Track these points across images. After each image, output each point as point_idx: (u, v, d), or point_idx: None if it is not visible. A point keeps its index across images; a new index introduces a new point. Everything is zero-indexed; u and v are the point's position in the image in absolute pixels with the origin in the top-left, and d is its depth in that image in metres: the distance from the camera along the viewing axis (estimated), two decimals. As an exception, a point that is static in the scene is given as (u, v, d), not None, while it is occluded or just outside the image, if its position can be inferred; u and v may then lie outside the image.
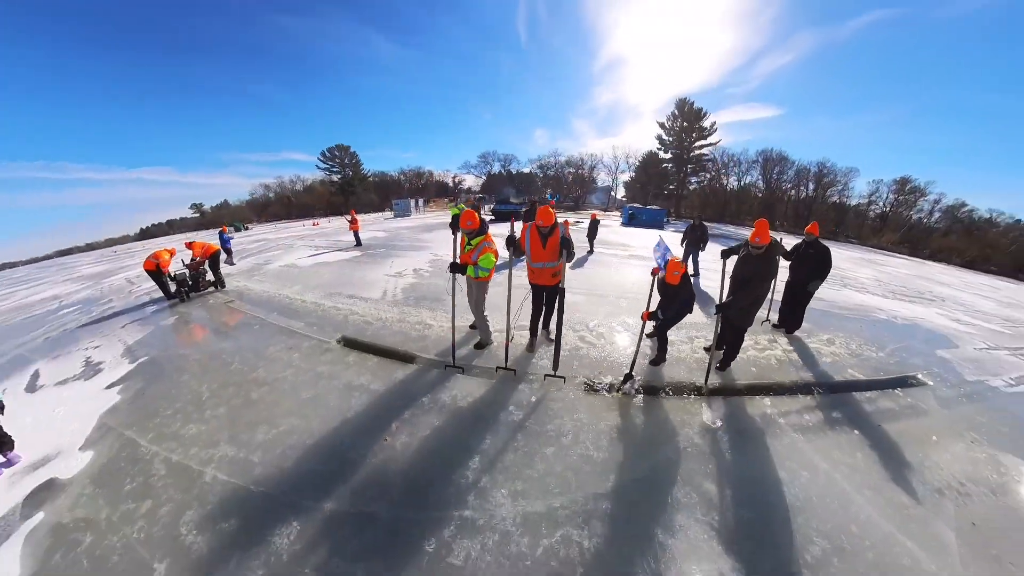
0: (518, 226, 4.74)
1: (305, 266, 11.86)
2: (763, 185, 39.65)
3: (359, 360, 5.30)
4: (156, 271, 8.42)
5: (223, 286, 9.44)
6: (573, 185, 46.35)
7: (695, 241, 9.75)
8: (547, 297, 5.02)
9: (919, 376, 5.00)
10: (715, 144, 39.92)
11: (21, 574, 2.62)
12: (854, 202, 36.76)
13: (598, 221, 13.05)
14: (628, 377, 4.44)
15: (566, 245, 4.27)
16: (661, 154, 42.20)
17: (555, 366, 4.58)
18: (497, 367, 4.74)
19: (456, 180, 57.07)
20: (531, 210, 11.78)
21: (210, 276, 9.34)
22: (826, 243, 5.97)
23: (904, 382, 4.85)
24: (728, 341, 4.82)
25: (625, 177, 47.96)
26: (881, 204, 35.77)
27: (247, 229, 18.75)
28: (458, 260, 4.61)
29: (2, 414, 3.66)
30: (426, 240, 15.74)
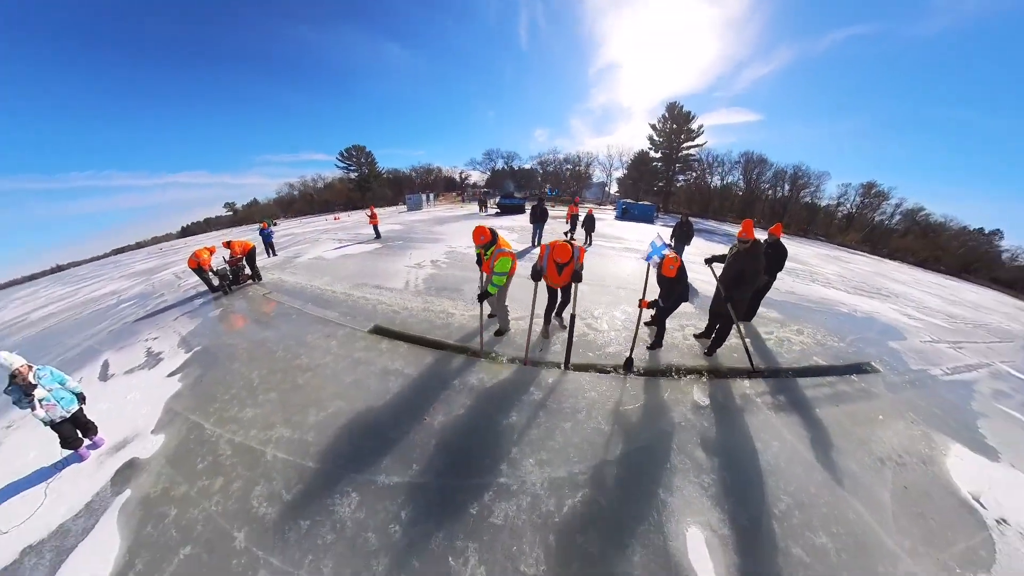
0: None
1: (331, 258, 11.87)
2: (744, 185, 40.23)
3: (391, 347, 5.38)
4: (199, 268, 8.52)
5: (260, 279, 9.52)
6: (570, 180, 45.96)
7: (682, 237, 10.16)
8: (562, 293, 5.38)
9: (872, 364, 5.22)
10: (701, 145, 40.08)
11: (120, 544, 2.78)
12: (824, 203, 37.79)
13: (594, 218, 12.76)
14: (629, 361, 4.63)
15: (577, 277, 4.47)
16: (652, 153, 42.05)
17: (566, 361, 4.67)
18: (519, 360, 4.86)
19: (463, 176, 56.60)
20: (539, 205, 11.89)
21: (248, 270, 9.42)
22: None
23: (859, 369, 5.07)
24: (717, 331, 4.99)
25: (618, 174, 47.55)
26: (848, 206, 36.71)
27: (275, 225, 18.76)
28: (482, 288, 4.81)
29: (84, 403, 3.80)
30: (440, 232, 15.64)
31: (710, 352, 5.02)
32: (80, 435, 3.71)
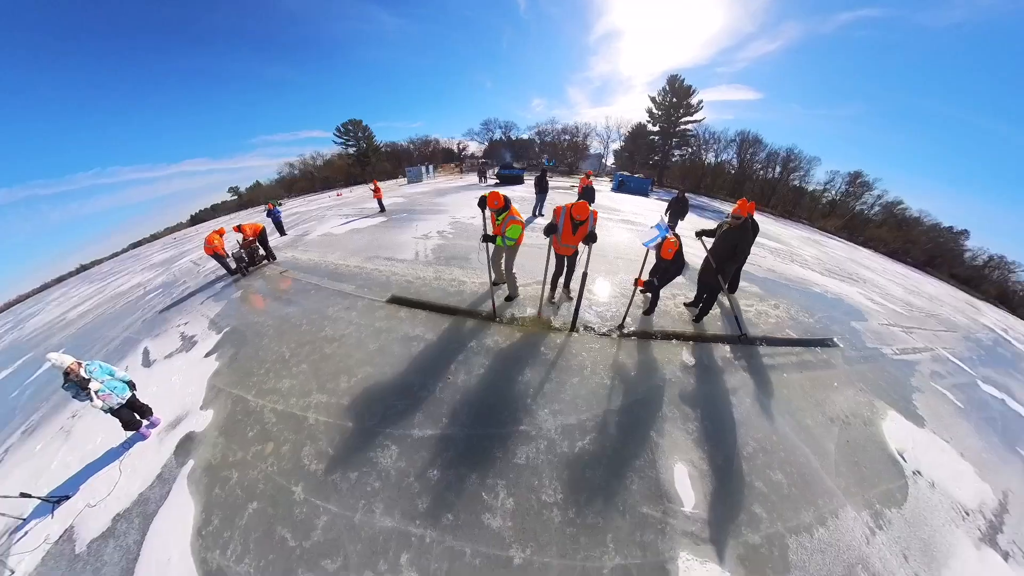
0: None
1: (340, 234, 11.82)
2: (737, 163, 39.49)
3: (410, 315, 5.53)
4: (215, 254, 8.58)
5: (274, 258, 9.57)
6: (567, 151, 44.35)
7: (678, 212, 10.25)
8: (567, 263, 5.44)
9: (834, 339, 5.59)
10: (700, 121, 38.54)
11: (195, 507, 3.06)
12: (812, 187, 37.97)
13: (593, 188, 12.36)
14: (622, 325, 5.03)
15: (591, 238, 4.44)
16: (650, 126, 40.39)
17: (573, 324, 4.94)
18: (531, 319, 5.11)
19: (461, 147, 54.57)
20: (542, 176, 11.82)
21: (262, 252, 9.46)
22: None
23: (823, 343, 5.44)
24: (704, 300, 5.28)
25: (615, 146, 45.75)
26: (833, 192, 37.13)
27: (281, 205, 18.49)
28: (490, 232, 4.86)
29: (135, 389, 4.00)
30: (442, 204, 15.33)
31: (697, 319, 5.35)
32: (138, 417, 3.94)
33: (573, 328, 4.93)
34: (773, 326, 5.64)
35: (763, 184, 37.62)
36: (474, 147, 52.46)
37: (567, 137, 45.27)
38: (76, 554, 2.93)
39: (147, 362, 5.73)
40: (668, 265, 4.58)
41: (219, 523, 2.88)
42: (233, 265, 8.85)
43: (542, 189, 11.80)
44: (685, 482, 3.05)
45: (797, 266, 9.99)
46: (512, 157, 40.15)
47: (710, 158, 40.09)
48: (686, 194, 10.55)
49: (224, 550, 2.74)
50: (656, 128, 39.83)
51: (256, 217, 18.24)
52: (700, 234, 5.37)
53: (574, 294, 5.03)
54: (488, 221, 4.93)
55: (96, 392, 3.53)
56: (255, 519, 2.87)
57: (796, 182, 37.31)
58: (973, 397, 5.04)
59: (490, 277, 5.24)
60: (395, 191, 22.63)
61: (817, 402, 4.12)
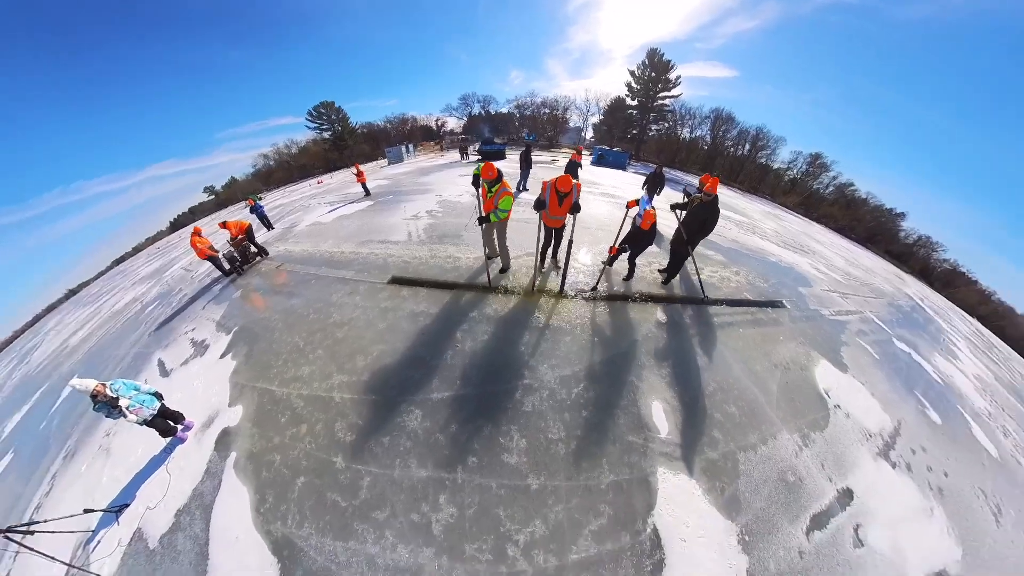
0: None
1: (328, 222, 11.50)
2: (710, 140, 40.42)
3: (412, 293, 5.76)
4: (210, 257, 8.39)
5: (267, 254, 9.31)
6: (547, 125, 42.79)
7: (655, 186, 10.69)
8: (555, 235, 5.75)
9: (784, 302, 6.36)
10: (677, 97, 38.36)
11: (248, 491, 3.32)
12: (776, 166, 40.01)
13: (579, 163, 12.22)
14: (595, 288, 5.60)
15: (575, 208, 4.71)
16: (628, 100, 39.82)
17: (561, 288, 5.45)
18: (525, 287, 5.54)
19: (439, 123, 52.01)
20: (527, 152, 11.83)
21: (253, 248, 9.26)
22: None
23: (774, 304, 6.20)
24: (670, 266, 5.95)
25: (595, 119, 44.46)
26: (795, 172, 39.54)
27: (262, 199, 17.56)
28: (483, 213, 5.08)
29: (163, 399, 4.08)
30: (427, 183, 14.94)
31: (665, 282, 6.02)
32: (172, 424, 4.06)
33: (561, 293, 5.39)
34: (733, 290, 6.40)
35: (733, 161, 39.22)
36: (453, 123, 50.13)
37: (547, 111, 43.84)
38: (151, 550, 3.18)
39: (164, 372, 5.70)
40: (644, 235, 5.06)
41: (273, 500, 3.19)
42: (227, 265, 8.67)
43: (527, 164, 11.76)
44: (661, 416, 3.71)
45: (758, 238, 10.73)
46: (491, 132, 38.81)
47: (685, 134, 40.93)
48: (663, 169, 10.90)
49: (284, 521, 3.05)
50: (635, 103, 39.51)
51: (239, 214, 17.65)
52: (675, 207, 5.68)
53: (561, 263, 5.45)
54: (481, 199, 5.09)
55: (127, 408, 3.59)
56: (305, 491, 3.20)
57: (763, 160, 39.41)
58: (887, 351, 6.00)
59: (485, 252, 5.59)
60: (377, 173, 21.94)
61: (765, 352, 4.88)
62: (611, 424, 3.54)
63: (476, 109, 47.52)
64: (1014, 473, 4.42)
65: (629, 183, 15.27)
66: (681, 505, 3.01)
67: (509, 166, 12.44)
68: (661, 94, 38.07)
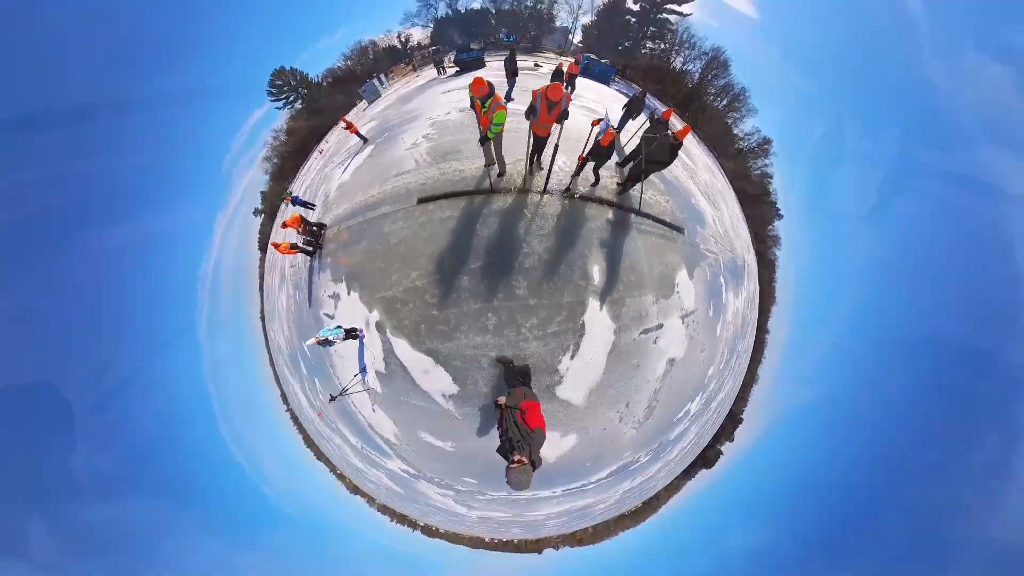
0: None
1: (349, 179, 11.68)
2: (696, 80, 34.13)
3: (436, 206, 7.59)
4: (292, 252, 10.95)
5: (325, 226, 10.39)
6: (529, 22, 34.80)
7: (634, 109, 11.15)
8: (543, 142, 6.64)
9: (684, 230, 8.94)
10: (687, 16, 32.07)
11: (404, 339, 7.03)
12: (735, 131, 36.18)
13: (576, 74, 11.91)
14: (567, 190, 7.44)
15: (564, 116, 5.13)
16: (630, 3, 32.05)
17: (545, 187, 7.28)
18: (519, 187, 7.54)
19: (403, 39, 45.38)
20: (511, 58, 11.65)
21: (315, 228, 11.44)
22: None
23: (678, 229, 8.78)
24: (626, 183, 7.68)
25: (586, 20, 34.73)
26: (744, 147, 36.14)
27: (292, 192, 19.38)
28: (482, 133, 5.54)
29: (343, 327, 7.19)
30: (413, 110, 14.25)
31: (620, 193, 7.84)
32: (356, 333, 7.37)
33: (545, 191, 7.24)
34: (659, 212, 8.52)
35: (707, 109, 35.64)
36: (418, 34, 43.65)
37: (529, 4, 35.65)
38: (383, 374, 7.31)
39: (331, 316, 8.67)
40: (603, 149, 6.29)
41: (415, 338, 7.13)
42: (310, 248, 11.20)
43: (512, 72, 11.33)
44: (596, 272, 7.03)
45: (692, 183, 12.35)
46: (464, 37, 33.45)
47: (678, 63, 34.20)
48: (646, 95, 11.32)
49: (423, 343, 7.17)
50: (636, 7, 32.63)
51: (287, 213, 19.89)
52: (646, 139, 6.53)
53: (545, 166, 7.02)
54: (478, 118, 5.34)
55: (333, 338, 6.95)
56: (426, 330, 7.09)
57: (730, 121, 36.14)
58: (714, 278, 9.71)
59: (485, 156, 6.93)
60: (363, 117, 21.57)
61: (659, 253, 7.99)
62: (570, 274, 6.87)
63: (442, 10, 40.39)
64: (719, 340, 10.08)
65: (610, 99, 15.39)
66: (596, 314, 6.83)
67: (495, 76, 12.35)
68: (670, 5, 31.95)
